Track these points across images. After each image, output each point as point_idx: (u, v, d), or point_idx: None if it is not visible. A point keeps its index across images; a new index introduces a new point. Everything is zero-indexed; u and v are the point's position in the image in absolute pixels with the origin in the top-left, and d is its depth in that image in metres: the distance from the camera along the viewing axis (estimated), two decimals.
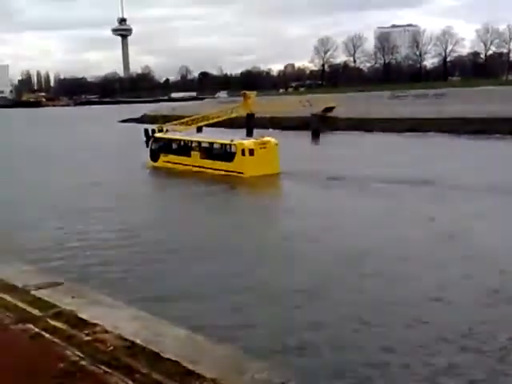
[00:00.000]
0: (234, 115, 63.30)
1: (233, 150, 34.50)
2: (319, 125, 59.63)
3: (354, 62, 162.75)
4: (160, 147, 39.82)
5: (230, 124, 62.01)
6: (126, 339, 6.26)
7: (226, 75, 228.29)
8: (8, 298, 7.55)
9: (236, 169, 33.76)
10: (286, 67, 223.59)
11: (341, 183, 30.11)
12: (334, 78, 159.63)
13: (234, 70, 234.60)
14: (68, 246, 18.09)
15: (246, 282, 13.68)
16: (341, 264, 15.75)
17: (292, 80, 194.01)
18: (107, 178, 34.25)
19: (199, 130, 60.43)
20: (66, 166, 40.52)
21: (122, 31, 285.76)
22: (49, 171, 37.85)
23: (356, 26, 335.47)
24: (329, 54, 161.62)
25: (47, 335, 6.39)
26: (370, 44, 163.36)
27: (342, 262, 15.99)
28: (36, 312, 7.02)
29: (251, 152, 33.62)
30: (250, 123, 64.19)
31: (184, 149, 38.24)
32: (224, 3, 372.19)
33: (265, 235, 19.77)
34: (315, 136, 57.38)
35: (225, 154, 35.17)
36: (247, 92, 68.19)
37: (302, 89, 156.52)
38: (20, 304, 7.29)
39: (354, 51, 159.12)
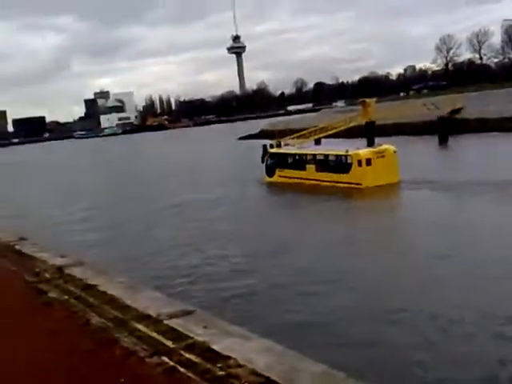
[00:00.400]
0: (352, 124, 62.23)
1: (349, 160, 34.06)
2: (446, 128, 56.81)
3: (481, 58, 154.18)
4: (275, 162, 40.46)
5: (348, 134, 61.07)
6: (260, 374, 5.93)
7: (342, 83, 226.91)
8: (143, 328, 7.53)
9: (353, 180, 33.24)
10: (405, 70, 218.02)
11: (474, 190, 27.87)
12: (459, 77, 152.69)
13: (351, 78, 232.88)
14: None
15: None
16: None
17: (413, 83, 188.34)
18: (227, 194, 35.49)
19: (317, 142, 60.09)
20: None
21: (237, 49, 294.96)
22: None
23: (478, 21, 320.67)
24: (452, 52, 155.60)
25: (182, 369, 6.22)
26: (496, 38, 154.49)
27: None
28: (169, 343, 6.89)
29: (368, 162, 33.08)
30: (370, 132, 62.71)
31: (299, 162, 38.48)
32: (336, 10, 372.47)
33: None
34: (443, 140, 54.81)
35: (340, 165, 34.74)
36: (366, 99, 66.78)
37: (424, 91, 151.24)
38: (154, 335, 7.23)
39: (480, 47, 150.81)
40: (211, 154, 70.72)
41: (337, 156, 35.59)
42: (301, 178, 37.04)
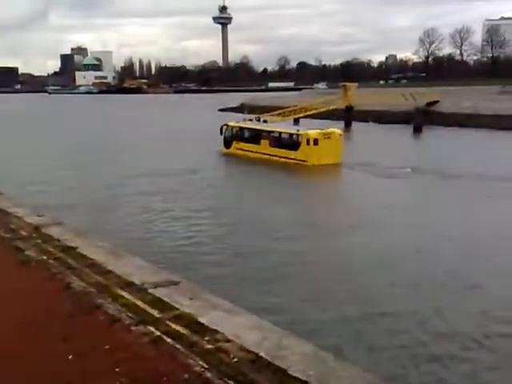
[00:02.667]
0: (332, 107, 62.35)
1: (299, 139, 36.48)
2: (422, 120, 57.43)
3: (461, 54, 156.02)
4: (233, 135, 42.46)
5: (327, 116, 61.17)
6: (249, 351, 5.88)
7: (324, 66, 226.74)
8: (127, 295, 7.39)
9: (301, 157, 35.82)
10: (387, 58, 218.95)
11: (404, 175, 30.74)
12: (438, 70, 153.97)
13: (333, 61, 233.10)
14: None
15: None
16: None
17: (393, 72, 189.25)
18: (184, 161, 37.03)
19: (296, 121, 60.11)
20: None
21: (223, 19, 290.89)
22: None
23: (463, 18, 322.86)
24: (434, 45, 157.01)
25: (169, 340, 6.13)
26: (477, 37, 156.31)
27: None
28: (155, 313, 6.78)
29: (315, 142, 35.50)
30: (349, 116, 63.00)
31: (255, 137, 40.50)
32: None
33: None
34: (417, 131, 55.44)
35: (291, 142, 37.18)
36: (348, 84, 66.91)
37: (403, 81, 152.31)
38: (139, 303, 7.10)
39: (461, 44, 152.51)
40: (185, 123, 70.20)
41: (288, 134, 38.06)
42: (255, 152, 39.47)
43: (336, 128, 37.78)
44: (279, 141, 38.34)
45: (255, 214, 22.54)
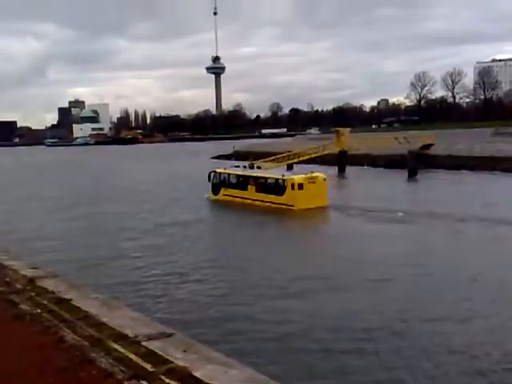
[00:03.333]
0: (326, 152, 62.95)
1: (284, 184, 37.36)
2: (416, 163, 57.91)
3: (453, 97, 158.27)
4: (221, 181, 43.10)
5: (321, 161, 61.68)
6: None
7: (316, 111, 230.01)
8: (120, 348, 7.34)
9: (287, 202, 36.58)
10: (379, 103, 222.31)
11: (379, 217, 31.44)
12: (431, 113, 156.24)
13: (325, 106, 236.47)
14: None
15: None
16: None
17: (386, 116, 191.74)
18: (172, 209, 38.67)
19: (290, 167, 60.58)
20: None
21: (216, 69, 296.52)
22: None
23: (454, 61, 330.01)
24: (426, 89, 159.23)
25: None
26: (469, 79, 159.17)
27: None
28: (148, 367, 6.72)
29: (300, 186, 36.34)
30: (342, 160, 63.51)
31: (242, 183, 41.33)
32: (315, 40, 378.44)
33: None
34: (412, 174, 55.71)
35: (277, 187, 38.08)
36: (340, 129, 67.77)
37: (396, 125, 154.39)
38: (132, 356, 7.04)
39: (453, 86, 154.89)
40: (178, 171, 70.78)
41: (274, 179, 39.03)
42: (242, 198, 40.18)
43: (320, 172, 38.80)
44: (265, 186, 39.17)
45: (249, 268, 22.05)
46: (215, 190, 43.06)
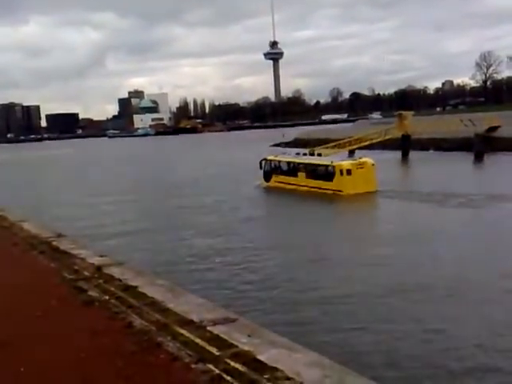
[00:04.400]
0: (388, 137, 61.76)
1: (333, 170, 38.04)
2: (482, 146, 55.87)
3: None
4: (272, 169, 43.98)
5: (384, 146, 60.60)
6: None
7: (378, 95, 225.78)
8: (186, 333, 7.45)
9: (336, 187, 37.27)
10: (443, 84, 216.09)
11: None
12: (498, 94, 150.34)
13: (388, 90, 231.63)
14: None
15: None
16: None
17: (451, 98, 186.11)
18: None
19: (351, 153, 59.80)
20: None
21: (274, 55, 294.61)
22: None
23: None
24: (492, 69, 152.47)
25: (228, 378, 6.12)
26: None
27: None
28: (214, 351, 6.80)
29: (348, 172, 36.97)
30: (406, 145, 62.13)
31: (292, 170, 42.31)
32: (377, 20, 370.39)
33: None
34: (478, 158, 53.84)
35: (326, 173, 38.81)
36: (403, 112, 66.27)
37: (461, 107, 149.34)
38: (198, 341, 7.14)
39: None
40: (237, 160, 71.33)
41: (323, 165, 39.76)
42: (293, 184, 41.01)
43: (369, 158, 39.06)
44: (315, 172, 39.99)
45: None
46: (267, 177, 44.00)
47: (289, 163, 43.17)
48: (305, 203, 35.66)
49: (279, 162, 44.06)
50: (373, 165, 37.68)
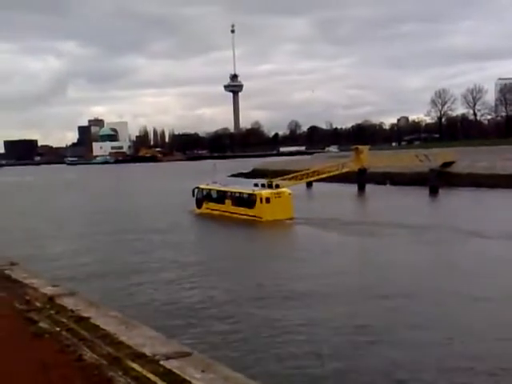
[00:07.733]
0: (345, 170, 62.68)
1: (254, 198, 40.96)
2: (437, 181, 57.25)
3: (474, 114, 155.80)
4: (203, 196, 46.90)
5: (340, 179, 61.43)
6: None
7: (335, 129, 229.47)
8: (138, 367, 7.31)
9: (256, 214, 40.40)
10: (399, 120, 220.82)
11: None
12: (452, 131, 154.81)
13: (345, 124, 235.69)
14: None
15: None
16: None
17: (406, 134, 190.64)
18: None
19: (309, 184, 60.25)
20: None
21: (234, 87, 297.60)
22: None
23: (475, 78, 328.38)
24: (446, 106, 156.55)
25: None
26: (490, 96, 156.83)
27: None
28: None
29: (267, 200, 40.03)
30: (362, 179, 63.16)
31: (221, 197, 45.28)
32: (335, 57, 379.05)
33: None
34: (433, 192, 55.07)
35: (249, 201, 41.71)
36: (359, 146, 67.44)
37: (416, 142, 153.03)
38: (150, 376, 7.01)
39: (474, 103, 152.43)
40: (187, 188, 71.41)
41: (246, 194, 42.51)
42: (221, 211, 44.24)
43: (286, 188, 42.90)
44: (240, 200, 42.86)
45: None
46: (199, 204, 46.73)
47: (218, 191, 46.12)
48: (228, 228, 39.25)
49: (210, 190, 46.95)
50: (289, 194, 40.96)
